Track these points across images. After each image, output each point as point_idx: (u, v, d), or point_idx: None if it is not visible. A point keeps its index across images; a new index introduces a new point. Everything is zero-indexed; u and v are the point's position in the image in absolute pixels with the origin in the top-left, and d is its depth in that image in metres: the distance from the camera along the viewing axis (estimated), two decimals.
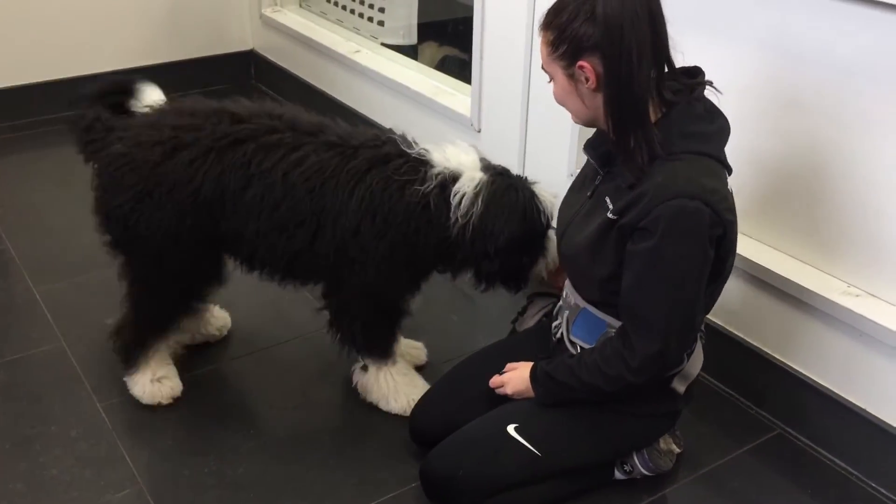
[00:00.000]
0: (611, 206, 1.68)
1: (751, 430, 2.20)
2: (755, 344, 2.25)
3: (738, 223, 1.72)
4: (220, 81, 4.13)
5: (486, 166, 1.99)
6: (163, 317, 2.17)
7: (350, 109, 3.66)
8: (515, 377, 1.90)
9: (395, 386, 2.19)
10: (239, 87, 4.14)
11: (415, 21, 3.68)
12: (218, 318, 2.49)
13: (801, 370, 2.16)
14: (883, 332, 1.94)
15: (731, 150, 1.75)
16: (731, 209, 1.66)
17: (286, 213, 1.94)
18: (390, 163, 1.94)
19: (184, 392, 2.25)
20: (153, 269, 2.05)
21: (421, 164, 1.95)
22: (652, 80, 1.60)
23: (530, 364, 1.90)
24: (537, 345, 2.03)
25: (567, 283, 1.94)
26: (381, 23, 3.69)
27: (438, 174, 1.93)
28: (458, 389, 2.05)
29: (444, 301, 2.67)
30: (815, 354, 2.13)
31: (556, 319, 1.98)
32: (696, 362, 1.87)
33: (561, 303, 1.98)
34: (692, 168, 1.62)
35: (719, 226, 1.61)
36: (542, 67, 1.71)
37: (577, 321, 1.88)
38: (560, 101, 1.74)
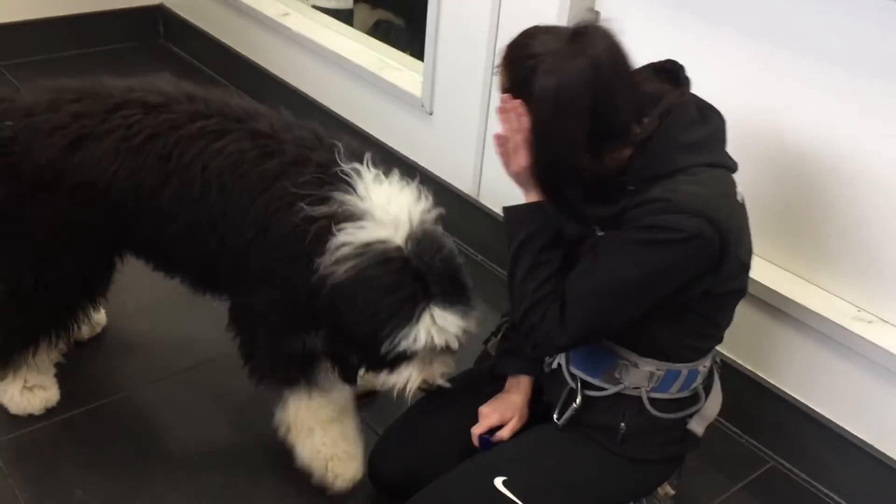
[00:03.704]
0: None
1: (743, 463, 2.03)
2: (748, 367, 2.06)
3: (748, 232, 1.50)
4: (123, 39, 3.74)
5: (413, 235, 1.55)
6: (32, 327, 1.85)
7: (279, 80, 3.28)
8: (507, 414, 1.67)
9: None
10: (145, 48, 3.77)
11: None
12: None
13: (799, 398, 1.99)
14: None
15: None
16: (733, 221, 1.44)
17: (204, 212, 1.65)
18: (304, 169, 1.61)
19: None
20: (29, 273, 1.75)
21: (332, 184, 1.59)
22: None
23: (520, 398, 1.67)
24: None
25: None
26: None
27: (340, 205, 1.56)
28: (426, 426, 1.76)
29: None
30: (816, 382, 1.95)
31: None
32: (714, 402, 1.64)
33: None
34: (694, 184, 1.40)
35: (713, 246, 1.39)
36: None
37: (578, 351, 1.62)
38: None
